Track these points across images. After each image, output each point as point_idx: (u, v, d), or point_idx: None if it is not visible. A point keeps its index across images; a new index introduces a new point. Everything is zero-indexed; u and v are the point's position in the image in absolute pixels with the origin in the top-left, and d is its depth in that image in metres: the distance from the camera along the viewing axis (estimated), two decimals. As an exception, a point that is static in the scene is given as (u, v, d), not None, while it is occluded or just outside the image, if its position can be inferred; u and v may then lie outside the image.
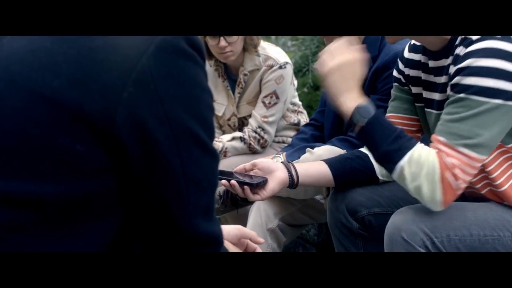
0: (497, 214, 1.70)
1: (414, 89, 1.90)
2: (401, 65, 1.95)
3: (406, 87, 1.94)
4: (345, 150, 2.24)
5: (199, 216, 0.99)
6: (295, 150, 2.46)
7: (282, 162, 1.95)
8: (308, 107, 4.78)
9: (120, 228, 0.97)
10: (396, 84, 1.98)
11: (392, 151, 1.61)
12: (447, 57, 1.68)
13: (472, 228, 1.65)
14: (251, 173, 1.93)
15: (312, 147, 2.29)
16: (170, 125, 0.91)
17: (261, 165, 1.91)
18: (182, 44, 0.93)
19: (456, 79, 1.57)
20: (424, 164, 1.58)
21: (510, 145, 1.66)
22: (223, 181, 1.88)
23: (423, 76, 1.84)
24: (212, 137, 1.00)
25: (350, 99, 1.66)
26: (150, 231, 0.99)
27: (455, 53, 1.64)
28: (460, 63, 1.57)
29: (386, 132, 1.63)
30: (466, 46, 1.57)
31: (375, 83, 2.27)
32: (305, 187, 2.21)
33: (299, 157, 2.28)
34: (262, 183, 1.87)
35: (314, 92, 4.80)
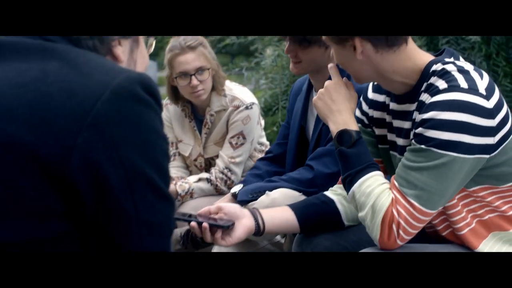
0: None
1: (378, 131, 1.90)
2: (364, 106, 1.94)
3: (369, 129, 1.94)
4: (301, 194, 2.25)
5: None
6: (246, 190, 2.46)
7: (248, 209, 1.93)
8: (277, 145, 4.78)
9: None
10: (359, 125, 1.96)
11: (354, 176, 1.67)
12: (412, 102, 1.69)
13: None
14: (216, 216, 1.90)
15: (269, 189, 2.29)
16: (124, 169, 0.92)
17: (227, 210, 1.87)
18: (137, 89, 0.94)
19: (419, 130, 1.57)
20: (373, 197, 1.60)
21: (472, 189, 1.67)
22: (192, 223, 1.85)
23: (387, 118, 1.84)
24: (167, 182, 1.00)
25: (336, 123, 1.74)
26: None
27: (420, 99, 1.64)
28: (424, 112, 1.57)
29: (360, 160, 1.68)
30: (432, 95, 1.58)
31: None
32: None
33: (252, 196, 2.30)
34: (232, 226, 1.84)
35: (283, 131, 4.81)
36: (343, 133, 1.72)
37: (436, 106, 1.54)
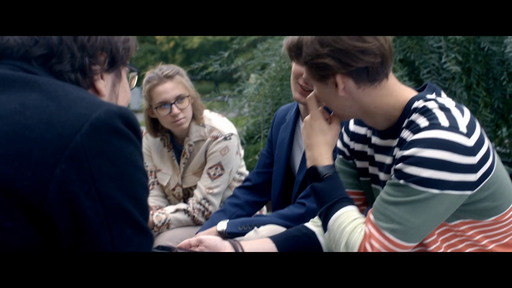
0: None
1: (359, 163, 1.89)
2: (346, 138, 1.94)
3: (350, 161, 1.93)
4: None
5: None
6: (228, 218, 2.44)
7: (229, 241, 1.90)
8: (259, 174, 4.77)
9: None
10: (340, 156, 1.97)
11: (328, 212, 1.66)
12: (393, 138, 1.68)
13: None
14: (197, 249, 1.87)
15: (259, 224, 2.28)
16: (102, 203, 0.92)
17: (208, 243, 1.84)
18: (117, 123, 0.95)
19: (399, 166, 1.57)
20: (345, 236, 1.60)
21: (453, 223, 1.66)
22: None
23: (369, 151, 1.83)
24: (146, 216, 1.00)
25: (308, 158, 1.75)
26: None
27: (401, 135, 1.64)
28: (405, 149, 1.57)
29: (331, 193, 1.68)
30: (413, 132, 1.58)
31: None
32: None
33: (241, 229, 2.30)
34: None
35: (265, 159, 4.80)
36: (312, 169, 1.73)
37: (417, 143, 1.54)
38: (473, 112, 4.69)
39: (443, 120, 1.55)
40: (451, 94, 4.50)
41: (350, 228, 1.61)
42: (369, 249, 1.56)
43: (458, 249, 1.69)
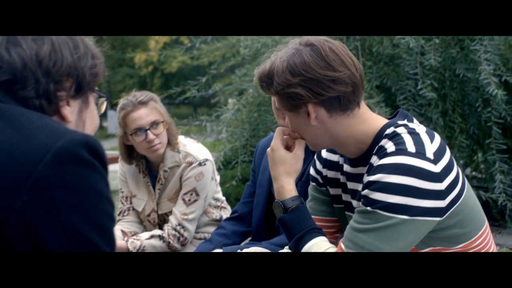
0: None
1: (332, 191, 1.88)
2: (318, 165, 1.93)
3: (323, 188, 1.91)
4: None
5: None
6: (214, 247, 2.42)
7: None
8: (236, 199, 4.76)
9: None
10: (313, 184, 1.95)
11: (298, 243, 1.65)
12: (364, 166, 1.68)
13: None
14: None
15: (233, 243, 2.26)
16: (66, 235, 0.90)
17: None
18: (81, 152, 0.93)
19: (365, 192, 1.56)
20: None
21: (423, 251, 1.65)
22: None
23: (342, 178, 1.82)
24: (111, 245, 0.98)
25: (275, 191, 1.75)
26: None
27: (370, 161, 1.63)
28: (371, 174, 1.56)
29: (299, 226, 1.68)
30: (380, 158, 1.57)
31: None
32: None
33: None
34: None
35: (242, 185, 4.80)
36: (276, 204, 1.73)
37: (383, 169, 1.54)
38: (449, 138, 4.74)
39: (410, 146, 1.55)
40: (427, 120, 4.54)
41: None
42: None
43: None
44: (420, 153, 1.53)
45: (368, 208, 1.54)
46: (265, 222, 2.53)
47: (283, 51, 1.66)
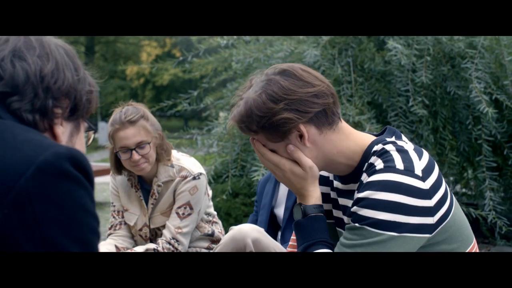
0: None
1: (324, 206, 1.89)
2: None
3: None
4: None
5: None
6: None
7: None
8: (226, 214, 4.74)
9: None
10: None
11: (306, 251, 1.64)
12: (355, 182, 1.69)
13: None
14: None
15: None
16: (46, 249, 0.89)
17: None
18: (65, 165, 0.92)
19: (354, 208, 1.57)
20: None
21: None
22: None
23: (332, 194, 1.83)
24: None
25: (306, 191, 1.71)
26: None
27: (361, 179, 1.64)
28: (360, 191, 1.58)
29: (315, 233, 1.67)
30: (369, 175, 1.59)
31: None
32: None
33: None
34: None
35: (233, 199, 4.79)
36: (297, 206, 1.73)
37: (372, 186, 1.55)
38: (439, 155, 4.75)
39: (399, 163, 1.56)
40: (418, 137, 4.55)
41: None
42: None
43: None
44: (408, 170, 1.55)
45: (357, 224, 1.55)
46: None
47: (252, 88, 1.66)
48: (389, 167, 1.55)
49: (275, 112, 1.60)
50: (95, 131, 1.28)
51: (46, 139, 1.00)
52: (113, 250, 2.81)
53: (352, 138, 1.69)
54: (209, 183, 4.94)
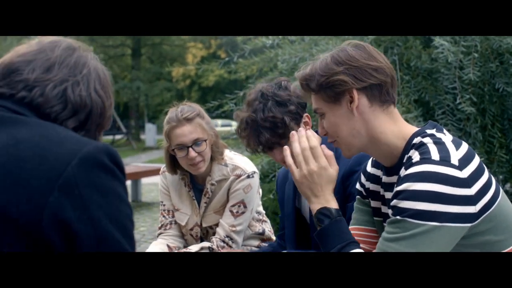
0: None
1: (373, 203, 1.94)
2: (363, 179, 2.00)
3: (366, 200, 1.98)
4: None
5: None
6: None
7: None
8: (274, 213, 4.77)
9: None
10: (358, 197, 2.02)
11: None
12: (397, 175, 1.73)
13: None
14: None
15: None
16: (94, 228, 0.99)
17: None
18: (103, 158, 1.04)
19: (394, 202, 1.60)
20: None
21: None
22: None
23: (381, 191, 1.87)
24: (132, 245, 1.07)
25: (317, 203, 1.78)
26: None
27: (399, 173, 1.68)
28: (398, 185, 1.61)
29: (341, 237, 1.71)
30: (406, 168, 1.62)
31: (346, 190, 2.32)
32: None
33: None
34: None
35: (280, 198, 4.80)
36: (323, 210, 1.77)
37: (409, 178, 1.58)
38: (488, 153, 4.69)
39: (435, 154, 1.59)
40: (466, 135, 4.50)
41: None
42: None
43: None
44: (444, 160, 1.57)
45: (398, 217, 1.58)
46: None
47: (325, 53, 1.76)
48: (425, 159, 1.59)
49: (334, 73, 1.69)
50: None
51: (83, 137, 1.12)
52: (166, 249, 2.86)
53: (399, 125, 1.75)
54: (257, 182, 4.98)
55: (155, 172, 8.29)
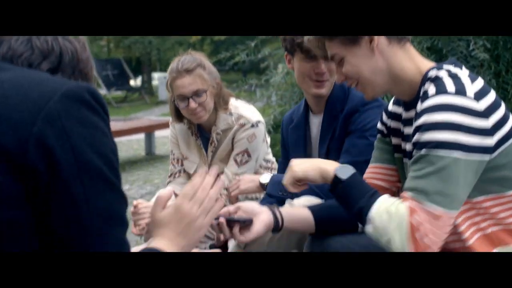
0: None
1: (394, 140, 1.96)
2: (384, 117, 2.02)
3: (387, 138, 2.00)
4: (322, 200, 2.25)
5: (104, 246, 1.07)
6: (275, 183, 2.43)
7: (266, 206, 1.97)
8: (286, 163, 4.78)
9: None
10: (378, 135, 2.04)
11: (365, 207, 1.66)
12: (415, 108, 1.74)
13: None
14: (235, 215, 1.94)
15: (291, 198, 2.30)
16: (75, 157, 1.03)
17: (245, 207, 1.94)
18: (84, 95, 1.07)
19: (416, 137, 1.62)
20: (393, 217, 1.60)
21: (475, 199, 1.67)
22: (212, 221, 1.88)
23: (402, 127, 1.89)
24: (118, 177, 1.10)
25: (329, 164, 1.79)
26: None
27: (416, 107, 1.69)
28: (417, 119, 1.62)
29: (363, 190, 1.70)
30: (422, 101, 1.64)
31: (347, 127, 2.35)
32: (287, 241, 2.24)
33: (281, 194, 2.33)
34: (249, 222, 1.88)
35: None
36: (339, 169, 1.76)
37: (426, 111, 1.59)
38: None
39: (450, 87, 1.61)
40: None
41: (393, 209, 1.61)
42: (415, 225, 1.57)
43: (482, 228, 1.70)
44: (460, 92, 1.59)
45: (422, 151, 1.59)
46: None
47: None
48: (441, 91, 1.60)
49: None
50: None
51: (64, 79, 1.19)
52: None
53: (416, 61, 1.77)
54: (268, 132, 4.98)
55: (168, 125, 8.24)
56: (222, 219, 1.87)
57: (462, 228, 1.70)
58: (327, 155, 2.41)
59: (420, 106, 1.64)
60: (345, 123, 2.36)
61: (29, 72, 1.14)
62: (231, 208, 1.96)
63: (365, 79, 1.78)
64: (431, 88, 1.64)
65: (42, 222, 1.03)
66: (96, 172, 1.05)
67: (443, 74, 1.67)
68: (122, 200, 1.11)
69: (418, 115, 1.62)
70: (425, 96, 1.64)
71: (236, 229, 1.89)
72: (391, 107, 1.99)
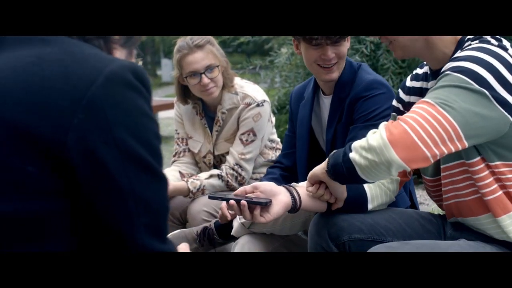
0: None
1: None
2: (401, 94, 2.01)
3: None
4: None
5: (151, 237, 1.04)
6: None
7: (284, 186, 1.97)
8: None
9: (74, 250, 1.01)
10: (393, 113, 2.03)
11: (346, 148, 1.69)
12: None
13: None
14: (252, 195, 1.93)
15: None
16: (119, 150, 0.98)
17: (263, 188, 1.92)
18: (129, 76, 1.01)
19: (443, 69, 1.63)
20: (370, 134, 1.61)
21: (494, 163, 1.67)
22: (231, 202, 1.90)
23: None
24: (160, 162, 1.06)
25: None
26: (104, 250, 1.03)
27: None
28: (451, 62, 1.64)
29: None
30: (462, 51, 1.65)
31: (352, 114, 2.33)
32: (292, 222, 2.23)
33: None
34: (270, 203, 1.88)
35: (296, 129, 4.81)
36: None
37: (466, 52, 1.61)
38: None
39: (493, 41, 1.62)
40: None
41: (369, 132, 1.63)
42: (390, 123, 1.59)
43: (507, 186, 1.68)
44: (502, 47, 1.60)
45: (447, 72, 1.60)
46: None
47: None
48: (484, 41, 1.62)
49: None
50: (143, 57, 1.37)
51: (108, 55, 1.09)
52: (177, 176, 2.89)
53: None
54: (273, 113, 4.97)
55: (172, 106, 8.16)
56: (244, 202, 1.87)
57: (487, 181, 1.68)
58: (333, 141, 2.40)
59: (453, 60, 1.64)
60: (349, 110, 2.34)
61: (71, 46, 1.06)
62: (248, 188, 1.95)
63: (400, 42, 1.78)
64: (473, 42, 1.64)
65: (84, 214, 1.00)
66: (141, 164, 1.01)
67: (484, 37, 1.67)
68: (165, 187, 1.08)
69: (452, 60, 1.63)
70: (465, 48, 1.65)
71: (257, 211, 1.88)
72: (409, 83, 1.99)
